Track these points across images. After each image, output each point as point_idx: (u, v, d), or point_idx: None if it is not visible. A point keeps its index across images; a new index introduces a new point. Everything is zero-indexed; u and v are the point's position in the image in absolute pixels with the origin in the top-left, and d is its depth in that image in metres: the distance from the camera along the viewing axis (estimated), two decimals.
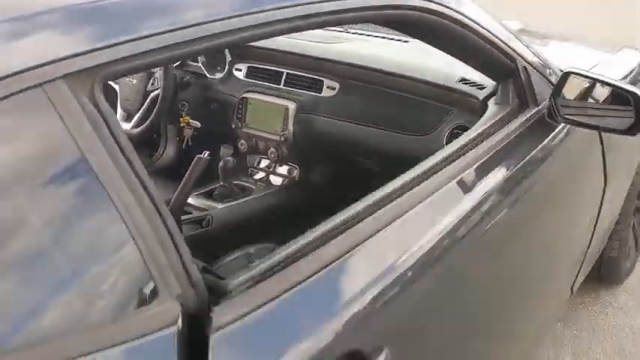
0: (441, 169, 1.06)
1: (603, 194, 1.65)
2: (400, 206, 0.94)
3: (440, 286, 1.00)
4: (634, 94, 1.22)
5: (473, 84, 1.54)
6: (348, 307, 0.81)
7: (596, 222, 1.67)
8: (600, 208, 1.65)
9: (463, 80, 1.57)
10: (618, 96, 1.26)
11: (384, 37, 1.92)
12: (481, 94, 1.49)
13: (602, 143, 1.55)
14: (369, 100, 1.73)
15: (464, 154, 1.13)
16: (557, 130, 1.37)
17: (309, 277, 0.78)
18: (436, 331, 1.03)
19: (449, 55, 1.32)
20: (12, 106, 0.59)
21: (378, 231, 0.89)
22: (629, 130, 1.25)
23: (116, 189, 0.63)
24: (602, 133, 1.52)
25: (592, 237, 1.69)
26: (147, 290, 0.64)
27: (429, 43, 1.25)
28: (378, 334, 0.85)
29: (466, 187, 1.10)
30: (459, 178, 1.08)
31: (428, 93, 1.62)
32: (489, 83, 1.48)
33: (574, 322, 2.07)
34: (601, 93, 1.29)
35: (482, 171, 1.14)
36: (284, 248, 0.80)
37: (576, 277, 1.73)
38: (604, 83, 1.27)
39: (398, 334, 0.89)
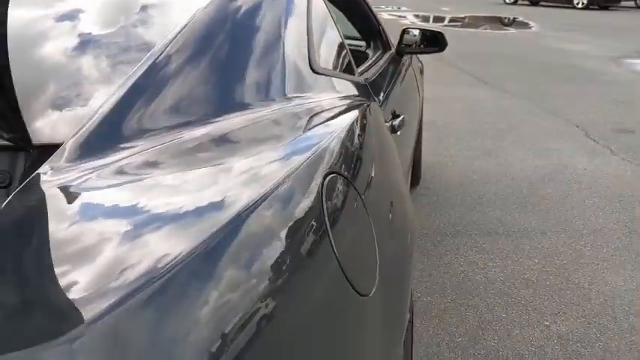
0: None
1: (421, 101, 2.99)
2: None
3: None
4: (438, 32, 2.58)
5: (358, 46, 2.76)
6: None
7: (420, 116, 3.00)
8: (421, 109, 2.99)
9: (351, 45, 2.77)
10: (431, 35, 2.61)
11: None
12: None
13: (414, 72, 2.90)
14: None
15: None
16: (402, 60, 2.66)
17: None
18: None
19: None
20: None
21: None
22: (439, 50, 2.62)
23: None
24: (414, 67, 2.88)
25: (419, 125, 3.02)
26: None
27: (341, 10, 2.41)
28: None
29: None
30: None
31: None
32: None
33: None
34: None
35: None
36: None
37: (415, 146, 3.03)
38: (423, 30, 2.61)
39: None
